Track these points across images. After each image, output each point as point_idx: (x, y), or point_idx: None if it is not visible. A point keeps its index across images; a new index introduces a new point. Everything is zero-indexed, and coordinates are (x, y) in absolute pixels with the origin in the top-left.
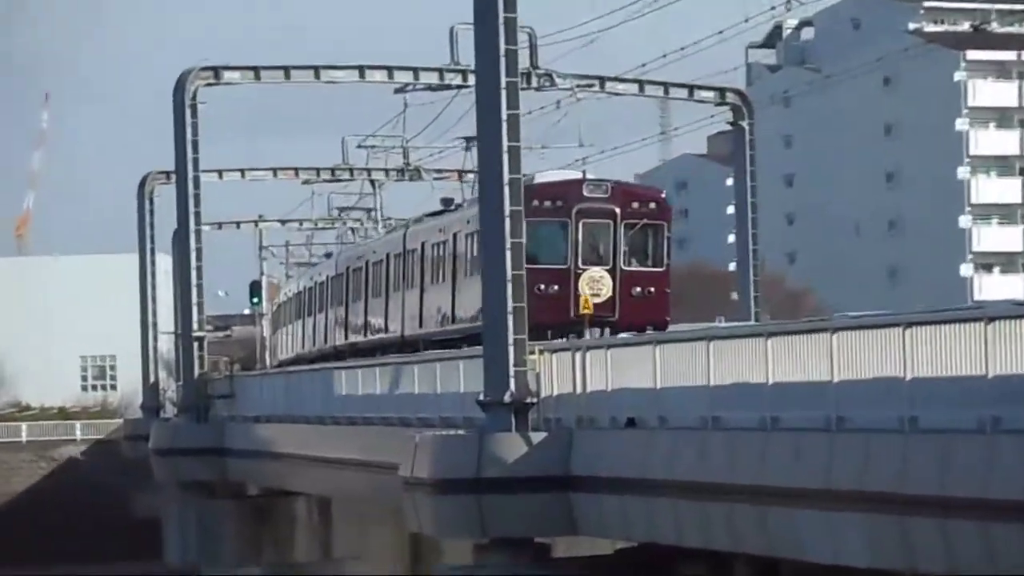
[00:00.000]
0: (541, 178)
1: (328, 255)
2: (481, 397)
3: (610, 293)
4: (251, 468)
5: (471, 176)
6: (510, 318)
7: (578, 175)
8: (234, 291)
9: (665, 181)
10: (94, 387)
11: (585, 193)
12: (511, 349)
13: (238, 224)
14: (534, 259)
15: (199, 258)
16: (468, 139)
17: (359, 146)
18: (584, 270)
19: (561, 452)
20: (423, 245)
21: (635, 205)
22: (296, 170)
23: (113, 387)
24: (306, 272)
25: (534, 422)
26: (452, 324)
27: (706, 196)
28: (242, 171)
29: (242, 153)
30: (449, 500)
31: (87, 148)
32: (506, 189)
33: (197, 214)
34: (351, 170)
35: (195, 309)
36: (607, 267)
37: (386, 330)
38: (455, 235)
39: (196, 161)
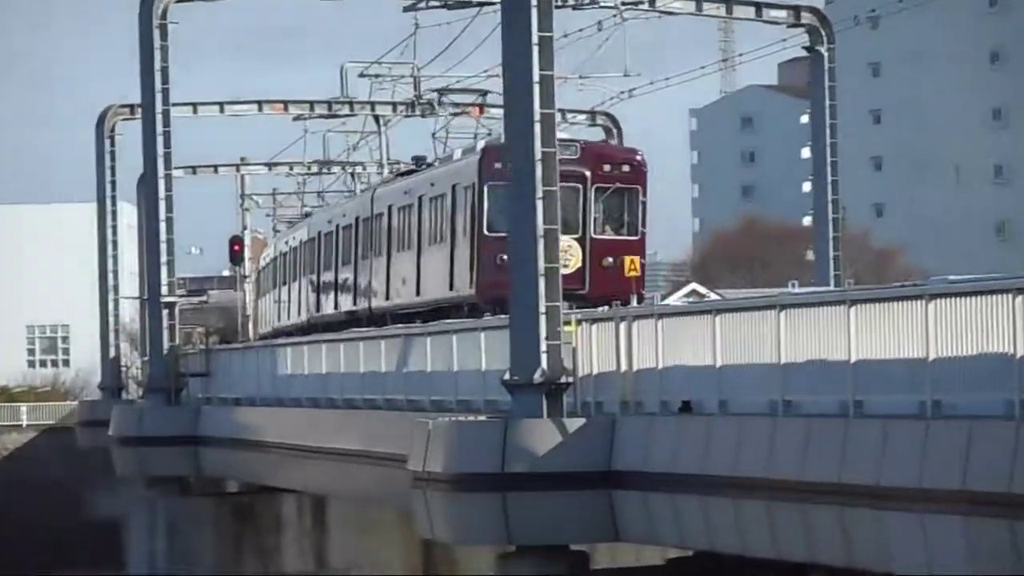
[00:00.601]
0: None
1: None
2: (507, 376)
3: (579, 263)
4: (231, 460)
5: (496, 111)
6: (541, 281)
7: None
8: (210, 249)
9: (727, 117)
10: (43, 363)
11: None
12: (542, 319)
13: (216, 168)
14: (495, 227)
15: (169, 208)
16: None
17: (361, 75)
18: None
19: (602, 442)
20: (389, 209)
21: (607, 168)
22: (285, 103)
23: (66, 363)
24: (290, 229)
25: (570, 406)
26: (417, 296)
27: (776, 136)
28: (221, 105)
29: (222, 84)
30: (468, 499)
31: (36, 76)
32: (537, 127)
33: (167, 156)
34: (351, 104)
35: (164, 269)
36: (576, 235)
37: (354, 302)
38: (420, 199)
39: (166, 92)
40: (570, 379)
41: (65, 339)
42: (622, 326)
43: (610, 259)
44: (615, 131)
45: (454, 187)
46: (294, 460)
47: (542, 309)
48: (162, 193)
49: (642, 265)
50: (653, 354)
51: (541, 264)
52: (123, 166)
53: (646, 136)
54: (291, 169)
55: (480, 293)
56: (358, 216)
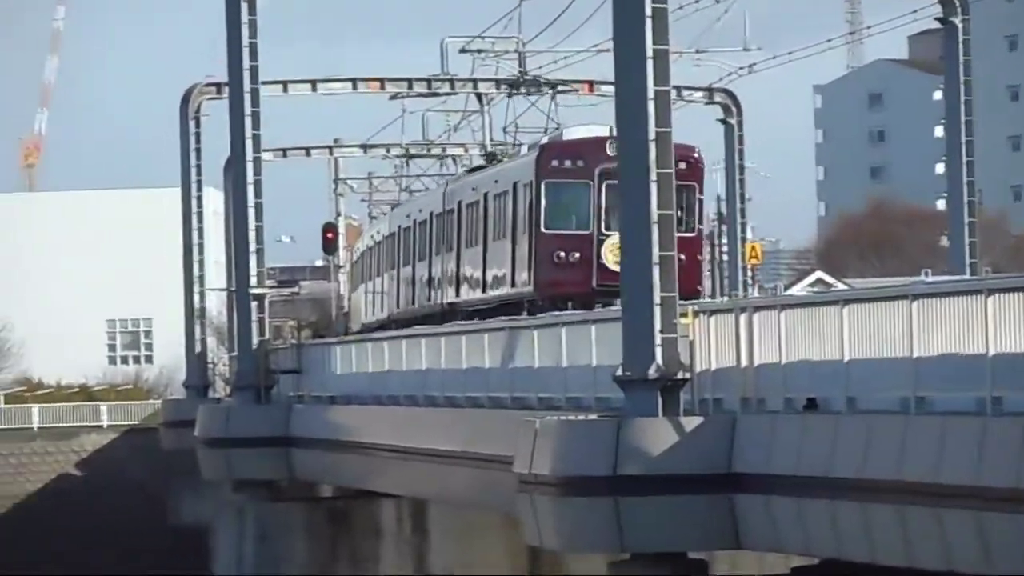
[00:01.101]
0: (570, 134)
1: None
2: (619, 372)
3: None
4: (325, 463)
5: (607, 88)
6: (655, 270)
7: (603, 131)
8: (302, 237)
9: (854, 94)
10: (124, 359)
11: (609, 152)
12: (657, 310)
13: (308, 151)
14: (553, 224)
15: (258, 194)
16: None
17: (462, 51)
18: (607, 236)
19: (722, 443)
20: (459, 205)
21: None
22: (382, 81)
23: (149, 359)
24: (382, 218)
25: (687, 404)
26: (484, 293)
27: (907, 113)
28: (313, 83)
29: (314, 61)
30: (578, 504)
31: (115, 54)
32: (650, 105)
33: (256, 138)
34: (452, 81)
35: (252, 259)
36: None
37: (429, 298)
38: (486, 195)
39: (254, 70)
40: (687, 375)
41: (148, 334)
42: (742, 318)
43: None
44: (734, 109)
45: (515, 184)
46: (392, 462)
47: (656, 300)
48: (250, 177)
49: (699, 262)
50: (776, 348)
51: (655, 252)
52: (209, 149)
53: (767, 115)
54: (388, 151)
55: (538, 290)
56: (432, 211)
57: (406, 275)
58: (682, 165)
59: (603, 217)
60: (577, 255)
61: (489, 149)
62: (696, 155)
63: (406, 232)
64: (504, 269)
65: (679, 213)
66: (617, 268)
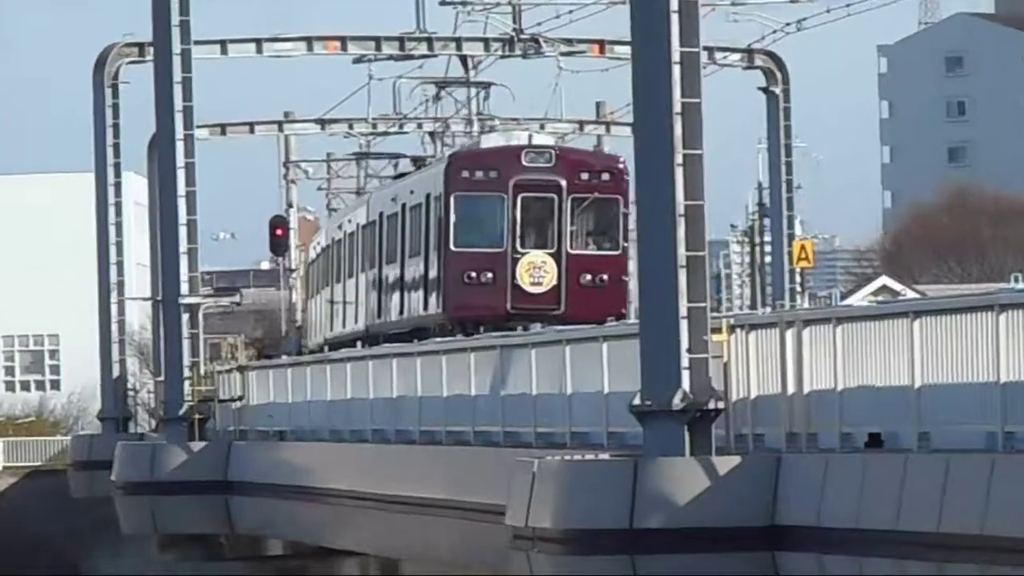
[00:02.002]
0: (487, 142)
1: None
2: (636, 400)
3: (554, 281)
4: (273, 514)
5: (621, 49)
6: (682, 274)
7: (524, 139)
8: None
9: (928, 56)
10: (24, 385)
11: (524, 162)
12: (683, 324)
13: (252, 127)
14: (463, 242)
15: (190, 181)
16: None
17: (443, 2)
18: (523, 254)
19: (763, 488)
20: (380, 217)
21: (585, 176)
22: (343, 40)
23: (55, 385)
24: (337, 215)
25: (720, 440)
26: (402, 315)
27: (993, 78)
28: (258, 42)
29: (261, 17)
30: (587, 564)
31: (16, 8)
32: (675, 70)
33: (187, 111)
34: (430, 40)
35: (184, 261)
36: (550, 251)
37: (354, 321)
38: (403, 207)
39: (186, 27)
40: (721, 404)
41: (54, 353)
42: (789, 334)
43: (588, 276)
44: (779, 75)
45: (428, 196)
46: (356, 513)
47: (683, 312)
48: (180, 160)
49: (624, 283)
50: (831, 371)
51: (682, 251)
52: (130, 125)
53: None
54: (350, 128)
55: (448, 314)
56: (358, 223)
57: (338, 291)
58: (605, 176)
59: (518, 234)
60: (490, 275)
61: (475, 126)
62: (620, 165)
63: (337, 244)
64: (418, 290)
65: (602, 229)
66: (534, 290)
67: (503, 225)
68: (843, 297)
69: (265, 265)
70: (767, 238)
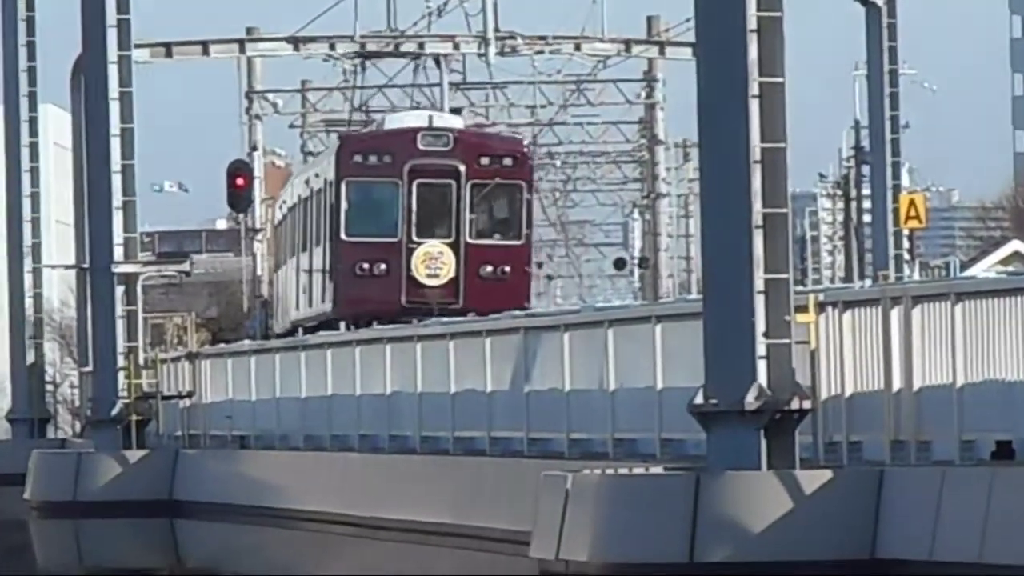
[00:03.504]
0: (392, 123)
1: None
2: (698, 399)
3: (452, 273)
4: (231, 542)
5: None
6: (757, 238)
7: (421, 122)
8: (198, 184)
9: None
10: None
11: (420, 146)
12: (760, 301)
13: (205, 47)
14: (355, 231)
15: (127, 116)
16: None
17: None
18: (418, 244)
19: (860, 510)
20: (298, 199)
21: (485, 161)
22: None
23: None
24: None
25: (806, 450)
26: (308, 308)
27: None
28: None
29: None
30: None
31: None
32: None
33: (123, 25)
34: None
35: (118, 218)
36: (448, 240)
37: (273, 314)
38: (312, 191)
39: None
40: (807, 403)
41: None
42: (894, 313)
43: (489, 268)
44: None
45: (325, 181)
46: (337, 541)
47: (759, 285)
48: (113, 89)
49: (527, 274)
50: (948, 361)
51: (758, 208)
52: (49, 44)
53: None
54: (332, 49)
55: (337, 308)
56: (286, 203)
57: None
58: (507, 161)
59: (414, 222)
60: (383, 267)
61: (492, 47)
62: (524, 150)
63: (305, 203)
64: (316, 282)
65: (504, 217)
66: (431, 282)
67: (397, 213)
68: (963, 267)
69: (222, 224)
70: (865, 191)
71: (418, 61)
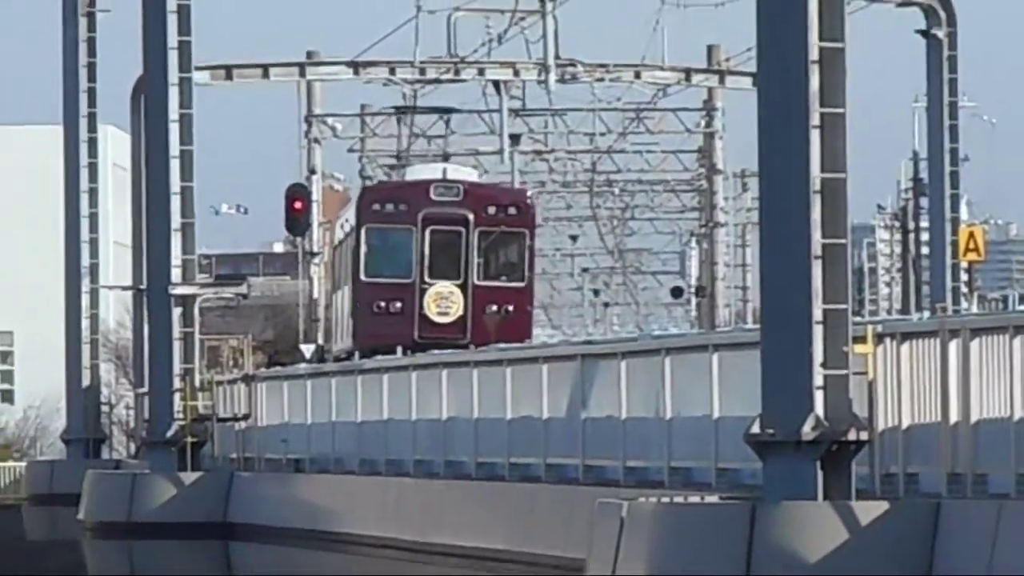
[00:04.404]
0: (413, 174)
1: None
2: (755, 429)
3: (461, 312)
4: (286, 565)
5: None
6: (816, 268)
7: (435, 174)
8: (256, 207)
9: None
10: None
11: (433, 196)
12: (817, 331)
13: (266, 70)
14: (373, 272)
15: (186, 137)
16: None
17: None
18: (430, 285)
19: (916, 545)
20: (345, 237)
21: (492, 210)
22: None
23: (7, 397)
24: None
25: (862, 481)
26: (344, 342)
27: None
28: None
29: None
30: None
31: None
32: (812, 6)
33: (184, 48)
34: None
35: (176, 241)
36: (458, 282)
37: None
38: (347, 232)
39: None
40: (864, 434)
41: (6, 357)
42: (952, 345)
43: (494, 307)
44: (943, 15)
45: (350, 226)
46: (391, 565)
47: (817, 316)
48: (173, 111)
49: (528, 313)
50: (1005, 393)
51: (817, 238)
52: (110, 65)
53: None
54: (392, 74)
55: (357, 342)
56: (336, 234)
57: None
58: (512, 210)
59: (426, 265)
60: (399, 305)
61: (552, 73)
62: (527, 200)
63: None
64: (344, 318)
65: (508, 261)
66: (441, 320)
67: (412, 257)
68: (1022, 300)
69: (279, 248)
70: (924, 223)
71: (482, 85)
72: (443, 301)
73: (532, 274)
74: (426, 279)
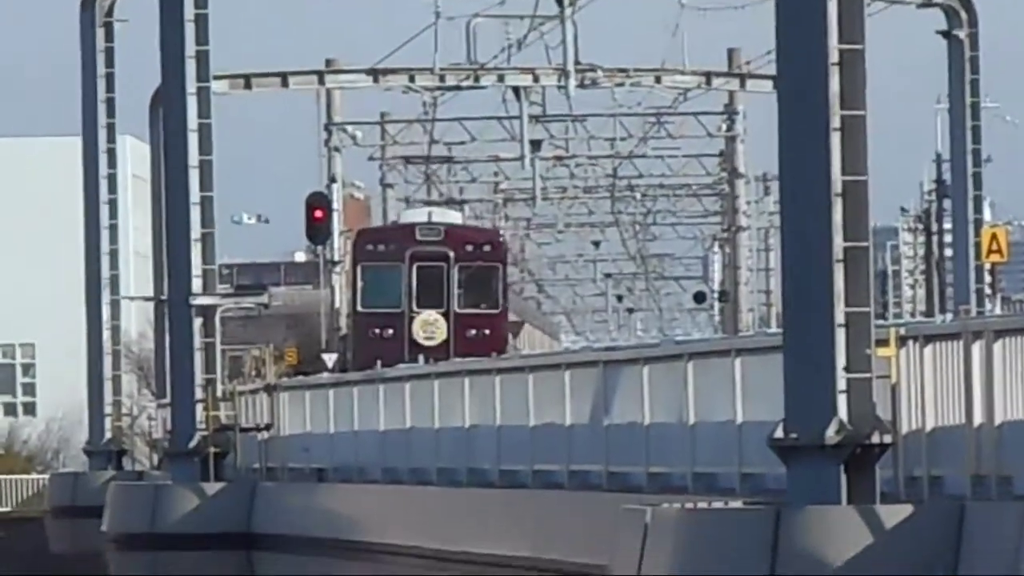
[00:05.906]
0: (408, 217)
1: None
2: (778, 433)
3: (444, 336)
4: (311, 573)
5: None
6: (838, 271)
7: (421, 218)
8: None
9: None
10: None
11: (418, 237)
12: (841, 335)
13: (285, 79)
14: (368, 303)
15: (206, 147)
16: None
17: None
18: (418, 313)
19: (940, 548)
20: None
21: (469, 248)
22: None
23: (29, 408)
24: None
25: (886, 484)
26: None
27: None
28: None
29: None
30: None
31: None
32: (832, 8)
33: (202, 57)
34: None
35: (196, 251)
36: (441, 310)
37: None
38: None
39: None
40: (887, 437)
41: (28, 369)
42: (976, 347)
43: (473, 331)
44: (964, 15)
45: (349, 263)
46: (414, 574)
47: (839, 319)
48: (192, 120)
49: (502, 335)
50: None
51: (839, 241)
52: (128, 75)
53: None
54: (411, 81)
55: (356, 364)
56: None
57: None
58: (487, 248)
59: (414, 296)
60: (390, 331)
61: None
62: (500, 239)
63: None
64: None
65: (485, 291)
66: (428, 343)
67: (401, 289)
68: None
69: (300, 257)
70: (947, 225)
71: (501, 91)
72: (429, 327)
73: (506, 301)
74: (414, 308)
